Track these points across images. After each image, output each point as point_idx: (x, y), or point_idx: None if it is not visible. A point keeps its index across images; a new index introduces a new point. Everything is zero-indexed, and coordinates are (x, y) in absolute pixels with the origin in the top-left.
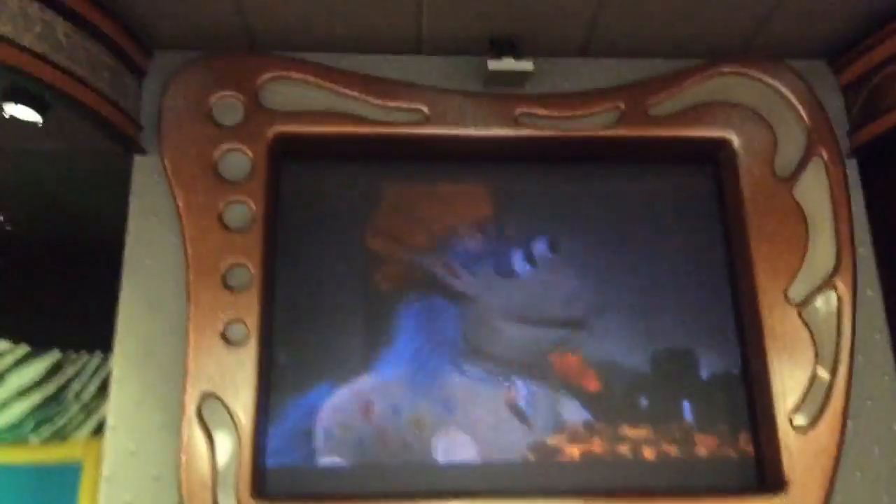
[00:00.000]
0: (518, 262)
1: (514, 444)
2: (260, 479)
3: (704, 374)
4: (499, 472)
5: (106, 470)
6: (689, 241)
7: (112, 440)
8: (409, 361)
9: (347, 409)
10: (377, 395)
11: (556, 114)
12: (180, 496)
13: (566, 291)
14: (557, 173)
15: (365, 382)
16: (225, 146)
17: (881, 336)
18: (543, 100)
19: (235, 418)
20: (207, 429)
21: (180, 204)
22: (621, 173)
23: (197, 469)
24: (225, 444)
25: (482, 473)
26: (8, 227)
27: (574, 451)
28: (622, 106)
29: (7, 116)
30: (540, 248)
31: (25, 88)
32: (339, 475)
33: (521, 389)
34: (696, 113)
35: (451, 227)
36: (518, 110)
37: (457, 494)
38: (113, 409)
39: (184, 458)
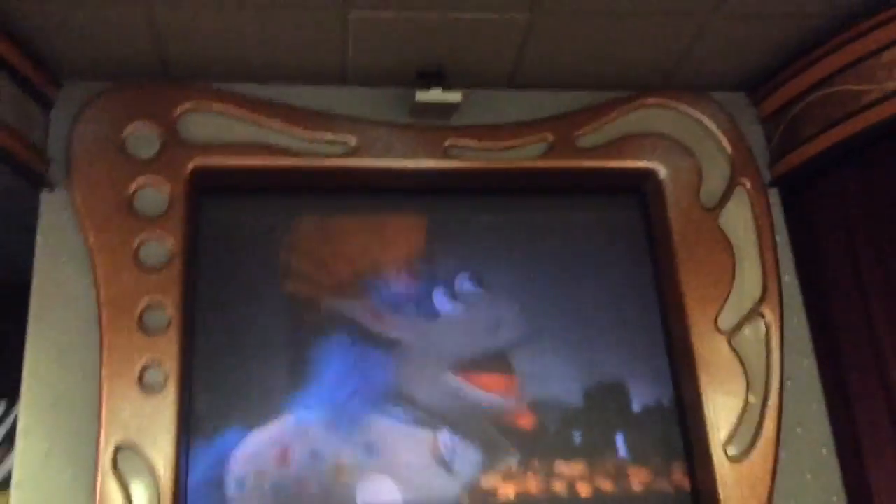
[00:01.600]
0: (440, 300)
1: (446, 488)
2: None
3: (637, 406)
4: None
5: None
6: (618, 271)
7: (18, 498)
8: (332, 407)
9: (263, 455)
10: (296, 441)
11: (485, 145)
12: None
13: (492, 326)
14: (486, 205)
15: (283, 427)
16: (140, 180)
17: (808, 362)
18: (472, 131)
19: (154, 469)
20: (124, 481)
21: (92, 242)
22: (550, 205)
23: None
24: (142, 497)
25: None
26: None
27: (509, 491)
28: (550, 137)
29: None
30: (463, 283)
31: None
32: None
33: (445, 440)
34: (623, 144)
35: (373, 266)
36: (447, 142)
37: None
38: (19, 464)
39: None
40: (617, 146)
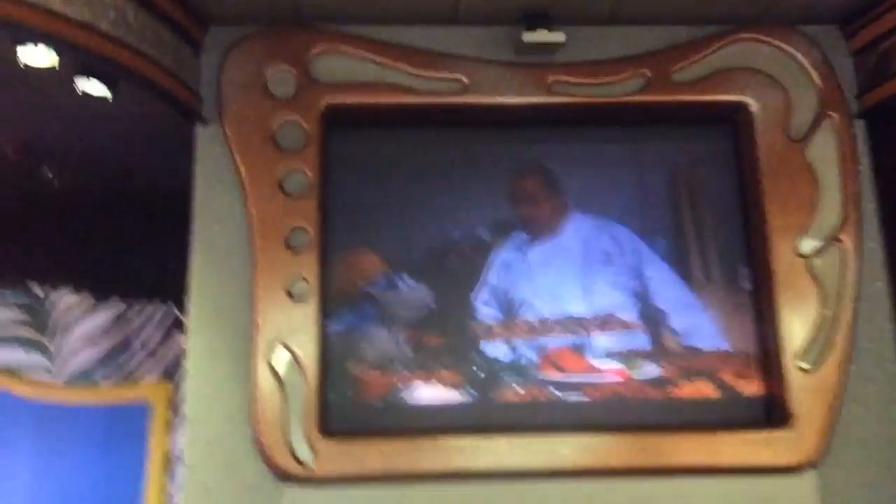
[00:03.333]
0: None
1: None
2: (325, 418)
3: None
4: None
5: (190, 412)
6: (708, 198)
7: (192, 385)
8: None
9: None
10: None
11: (586, 81)
12: (255, 434)
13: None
14: (589, 137)
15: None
16: (281, 117)
17: (881, 284)
18: (574, 68)
19: (301, 364)
20: (277, 374)
21: (243, 172)
22: (648, 136)
23: (268, 410)
24: (292, 387)
25: None
26: (52, 180)
27: (602, 391)
28: (648, 73)
29: (80, 93)
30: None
31: (93, 66)
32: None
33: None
34: (716, 78)
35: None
36: (551, 79)
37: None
38: (191, 358)
39: (257, 400)
40: (711, 80)
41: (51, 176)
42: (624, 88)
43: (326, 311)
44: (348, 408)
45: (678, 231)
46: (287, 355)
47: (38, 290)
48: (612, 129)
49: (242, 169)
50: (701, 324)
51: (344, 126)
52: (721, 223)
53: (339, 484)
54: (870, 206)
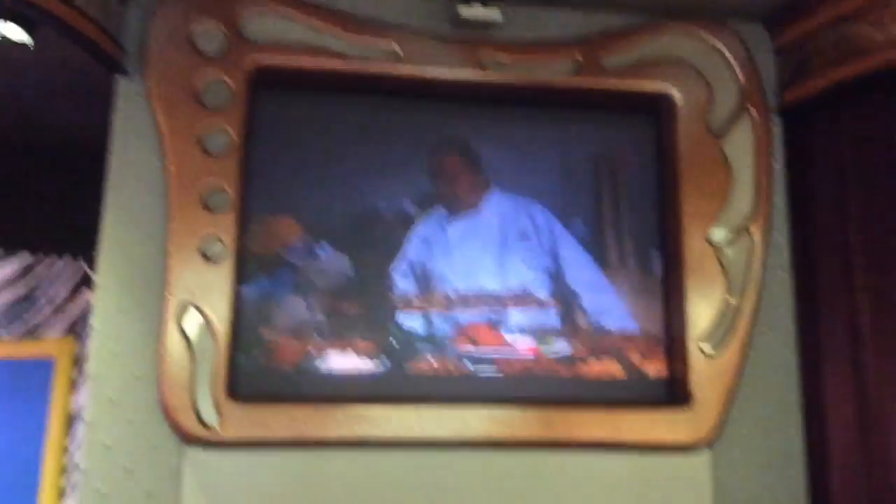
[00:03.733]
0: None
1: None
2: (234, 382)
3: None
4: None
5: (93, 370)
6: (629, 186)
7: (97, 342)
8: None
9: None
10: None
11: (519, 60)
12: (160, 395)
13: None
14: (518, 117)
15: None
16: (207, 74)
17: (785, 275)
18: (508, 47)
19: (212, 326)
20: (186, 335)
21: (163, 127)
22: (576, 119)
23: (176, 371)
24: (202, 349)
25: None
26: None
27: (514, 366)
28: (580, 57)
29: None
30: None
31: (13, 9)
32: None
33: None
34: (644, 67)
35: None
36: (484, 56)
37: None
38: (98, 315)
39: (164, 361)
40: (639, 69)
41: None
42: (555, 71)
43: (242, 275)
44: (259, 373)
45: (596, 214)
46: (198, 317)
47: None
48: (540, 110)
49: (163, 124)
50: (612, 305)
51: (272, 88)
52: (638, 209)
53: (243, 448)
54: (780, 200)
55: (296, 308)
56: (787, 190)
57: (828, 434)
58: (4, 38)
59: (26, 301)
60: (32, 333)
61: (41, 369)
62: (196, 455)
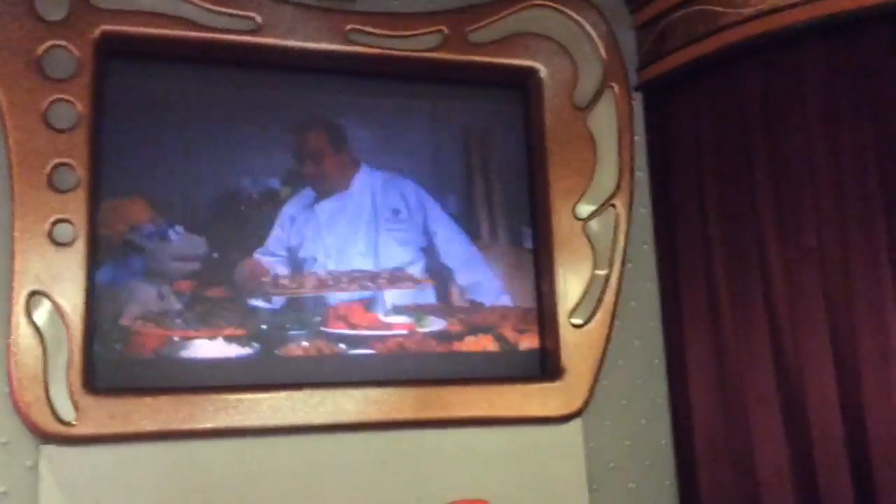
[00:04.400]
0: None
1: None
2: (92, 374)
3: None
4: None
5: None
6: (497, 161)
7: None
8: None
9: None
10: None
11: (383, 32)
12: (11, 390)
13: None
14: (384, 90)
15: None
16: (49, 42)
17: (648, 247)
18: (372, 18)
19: (65, 316)
20: (36, 326)
21: (2, 102)
22: (442, 94)
23: (27, 365)
24: (54, 339)
25: None
26: None
27: (389, 345)
28: (445, 30)
29: None
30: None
31: None
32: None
33: None
34: (510, 42)
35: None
36: (348, 27)
37: None
38: None
39: (13, 354)
40: (505, 44)
41: None
42: (421, 44)
43: (96, 260)
44: (118, 363)
45: (467, 190)
46: (48, 305)
47: None
48: (407, 84)
49: (1, 97)
50: (485, 280)
51: (122, 57)
52: (508, 184)
53: (104, 443)
54: (642, 174)
55: (153, 295)
56: (649, 164)
57: (691, 398)
58: None
59: None
60: None
61: None
62: (52, 452)
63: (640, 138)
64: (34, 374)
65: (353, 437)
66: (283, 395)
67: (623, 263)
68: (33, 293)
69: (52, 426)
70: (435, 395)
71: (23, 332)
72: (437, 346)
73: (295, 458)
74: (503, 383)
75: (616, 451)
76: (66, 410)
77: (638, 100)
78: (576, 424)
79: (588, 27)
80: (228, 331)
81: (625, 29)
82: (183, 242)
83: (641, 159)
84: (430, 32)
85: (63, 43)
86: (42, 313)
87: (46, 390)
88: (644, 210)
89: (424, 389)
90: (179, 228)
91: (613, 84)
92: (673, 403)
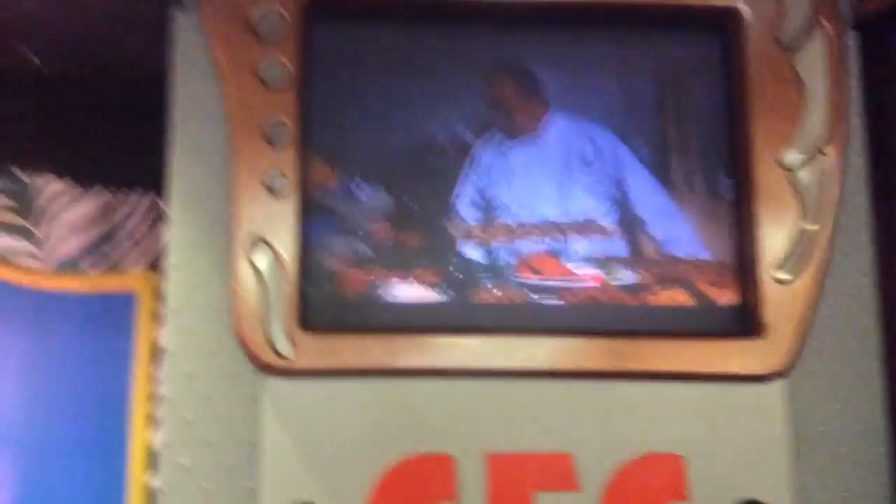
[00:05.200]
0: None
1: None
2: (305, 313)
3: None
4: None
5: (172, 303)
6: (696, 107)
7: (174, 276)
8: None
9: None
10: None
11: None
12: (235, 326)
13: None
14: (573, 39)
15: None
16: (261, 5)
17: (862, 198)
18: None
19: (280, 259)
20: (256, 268)
21: (219, 61)
22: (636, 40)
23: (249, 303)
24: (272, 281)
25: None
26: (37, 63)
27: (578, 296)
28: None
29: None
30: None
31: None
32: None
33: None
34: None
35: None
36: None
37: None
38: (172, 248)
39: (237, 294)
40: None
41: (36, 59)
42: None
43: (306, 209)
44: (327, 303)
45: (661, 138)
46: (266, 250)
47: (21, 176)
48: (599, 29)
49: (218, 57)
50: (680, 232)
51: (326, 20)
52: (705, 132)
53: (317, 377)
54: (857, 120)
55: (357, 240)
56: (865, 109)
57: None
58: None
59: (107, 236)
60: (115, 268)
61: (125, 303)
62: (274, 384)
63: (854, 81)
64: (255, 313)
65: (545, 384)
66: (478, 339)
67: (834, 216)
68: (253, 238)
69: (273, 359)
70: (626, 347)
71: (245, 274)
72: (628, 297)
73: (489, 400)
74: (700, 338)
75: (825, 414)
76: (283, 346)
77: (853, 39)
78: (779, 384)
79: None
80: (424, 275)
81: None
82: (379, 196)
83: (856, 104)
84: None
85: (275, 6)
86: (261, 257)
87: (266, 327)
88: (858, 159)
89: (616, 341)
90: (375, 181)
91: (824, 21)
92: (887, 367)
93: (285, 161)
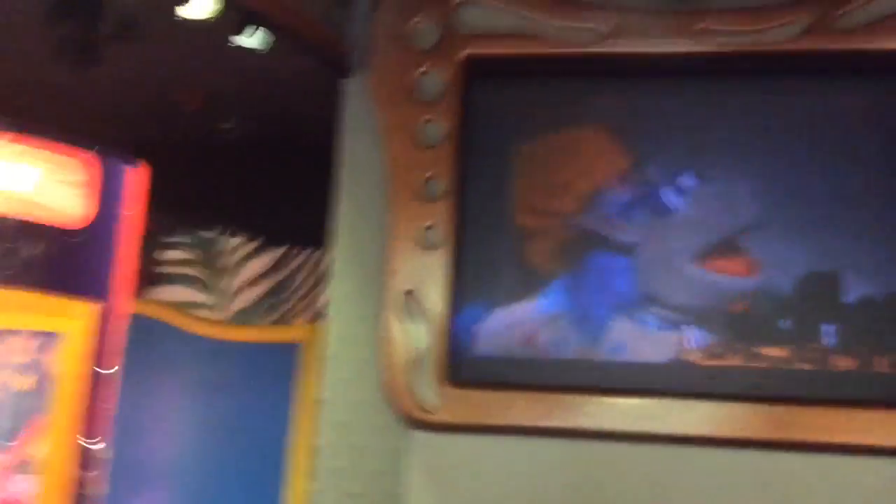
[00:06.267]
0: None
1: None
2: (452, 367)
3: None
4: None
5: (330, 351)
6: (869, 161)
7: (334, 327)
8: (579, 307)
9: (511, 331)
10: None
11: (737, 28)
12: (383, 378)
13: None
14: (736, 90)
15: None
16: (422, 68)
17: None
18: (725, 15)
19: (429, 313)
20: (406, 322)
21: (382, 123)
22: (803, 88)
23: (396, 355)
24: (420, 333)
25: None
26: (230, 129)
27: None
28: (806, 18)
29: (233, 46)
30: (687, 180)
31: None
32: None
33: (692, 335)
34: (887, 23)
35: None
36: (699, 25)
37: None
38: (333, 301)
39: (386, 346)
40: (880, 26)
41: (230, 126)
42: (779, 35)
43: (460, 262)
44: (474, 358)
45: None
46: (416, 303)
47: (208, 233)
48: (763, 80)
49: (382, 120)
50: None
51: (484, 77)
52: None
53: (465, 432)
54: None
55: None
56: None
57: None
58: (240, 46)
59: (278, 289)
60: (283, 319)
61: (289, 352)
62: (419, 437)
63: None
64: (404, 366)
65: (717, 452)
66: (634, 401)
67: None
68: (404, 291)
69: (418, 413)
70: (803, 416)
71: (394, 327)
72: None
73: (641, 465)
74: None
75: None
76: (430, 399)
77: None
78: None
79: None
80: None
81: None
82: None
83: None
84: (790, 22)
85: (433, 68)
86: (410, 310)
87: (413, 380)
88: None
89: (795, 408)
90: None
91: None
92: None
93: (439, 214)
